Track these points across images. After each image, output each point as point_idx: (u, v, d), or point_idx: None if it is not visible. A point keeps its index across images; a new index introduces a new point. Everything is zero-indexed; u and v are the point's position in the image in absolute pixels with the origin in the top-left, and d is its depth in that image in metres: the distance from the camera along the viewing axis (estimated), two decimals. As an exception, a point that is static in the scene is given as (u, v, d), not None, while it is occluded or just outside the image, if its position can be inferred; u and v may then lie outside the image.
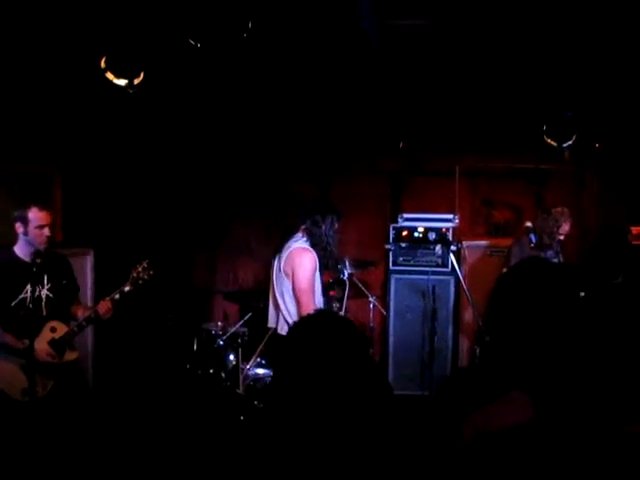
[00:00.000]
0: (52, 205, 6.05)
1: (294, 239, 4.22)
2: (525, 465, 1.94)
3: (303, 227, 4.21)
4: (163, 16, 3.89)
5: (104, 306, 4.08)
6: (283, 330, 4.22)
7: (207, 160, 7.15)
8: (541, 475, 1.92)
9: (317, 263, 4.16)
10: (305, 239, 4.20)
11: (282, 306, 4.23)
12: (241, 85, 5.89)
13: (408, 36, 4.96)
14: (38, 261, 3.94)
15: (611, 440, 1.97)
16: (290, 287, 4.15)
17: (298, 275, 4.08)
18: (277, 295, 4.27)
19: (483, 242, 6.59)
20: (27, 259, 4.05)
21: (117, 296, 4.11)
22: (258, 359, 5.29)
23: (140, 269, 4.15)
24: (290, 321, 4.10)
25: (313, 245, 4.18)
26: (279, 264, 4.23)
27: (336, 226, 4.27)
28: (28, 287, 4.02)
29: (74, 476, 4.09)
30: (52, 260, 4.20)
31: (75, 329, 4.11)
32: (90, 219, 6.21)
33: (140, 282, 4.15)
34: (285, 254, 4.18)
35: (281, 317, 4.26)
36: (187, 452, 4.74)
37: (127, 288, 4.13)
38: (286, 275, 4.16)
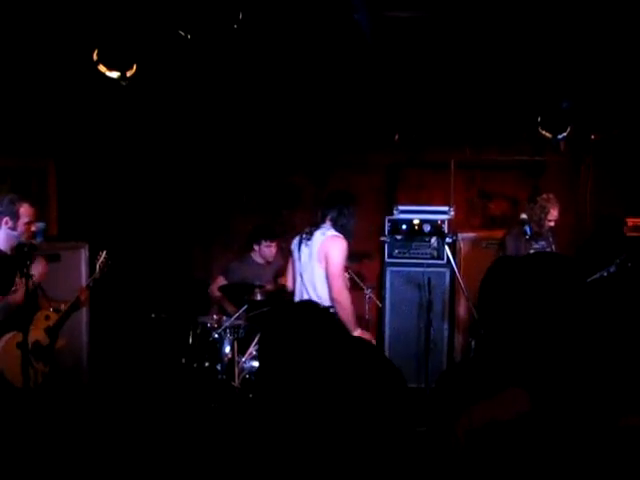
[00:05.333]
0: (47, 199, 6.07)
1: (324, 228, 4.55)
2: (521, 459, 1.94)
3: (329, 217, 4.56)
4: (154, 8, 3.88)
5: (84, 292, 4.49)
6: None
7: (204, 154, 7.13)
8: (537, 468, 1.92)
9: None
10: (333, 228, 4.54)
11: (312, 292, 4.54)
12: (236, 77, 5.88)
13: (402, 28, 4.94)
14: (25, 250, 3.93)
15: (606, 432, 1.97)
16: (322, 272, 4.47)
17: (333, 261, 4.43)
18: (307, 281, 4.58)
19: (479, 234, 6.58)
20: (8, 252, 4.14)
21: (91, 283, 4.58)
22: (254, 352, 5.29)
23: (102, 259, 4.57)
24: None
25: (341, 233, 4.53)
26: (310, 251, 4.54)
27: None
28: (17, 280, 4.07)
29: (68, 470, 4.10)
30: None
31: (64, 316, 4.39)
32: (85, 213, 6.20)
33: (104, 270, 4.57)
34: (319, 241, 4.50)
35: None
36: (183, 445, 4.75)
37: (96, 276, 4.56)
38: (319, 261, 4.47)
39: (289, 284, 4.98)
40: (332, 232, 4.52)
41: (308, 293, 4.58)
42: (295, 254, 4.74)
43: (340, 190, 4.92)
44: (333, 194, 4.74)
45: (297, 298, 4.72)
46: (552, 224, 5.53)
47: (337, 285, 4.43)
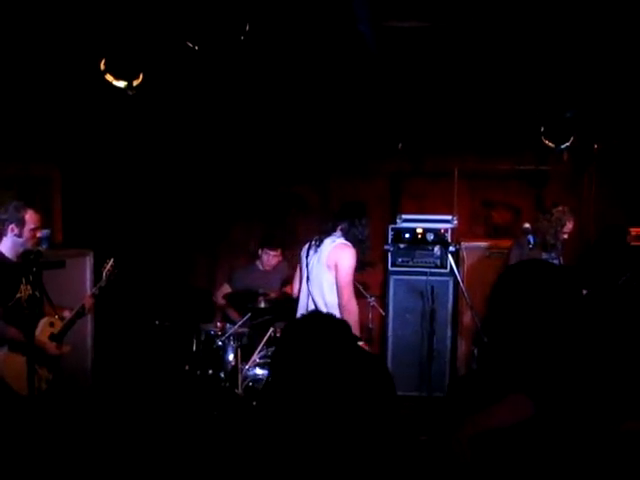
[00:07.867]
0: (52, 206, 6.10)
1: (334, 236, 4.57)
2: (524, 464, 1.95)
3: (340, 227, 4.59)
4: (162, 19, 3.91)
5: (89, 300, 4.42)
6: None
7: (207, 162, 7.17)
8: (540, 474, 1.94)
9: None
10: (343, 237, 4.56)
11: (319, 298, 4.54)
12: (240, 87, 5.91)
13: (406, 38, 4.97)
14: (32, 257, 3.93)
15: (608, 437, 1.99)
16: (331, 279, 4.47)
17: (343, 269, 4.45)
18: (314, 287, 4.58)
19: (482, 243, 6.59)
20: (14, 259, 4.11)
21: (97, 291, 4.50)
22: (257, 359, 5.30)
23: (108, 267, 4.52)
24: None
25: (351, 243, 4.55)
26: (319, 257, 4.56)
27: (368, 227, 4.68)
28: (22, 287, 4.08)
29: (71, 475, 4.11)
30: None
31: (69, 323, 4.33)
32: (90, 220, 6.23)
33: (111, 278, 4.52)
34: (329, 248, 4.51)
35: (315, 308, 4.50)
36: (186, 452, 4.76)
37: (103, 284, 4.50)
38: (328, 268, 4.48)
39: (294, 290, 4.98)
40: (342, 240, 4.55)
41: (314, 299, 4.58)
42: (303, 260, 4.76)
43: (352, 202, 4.93)
44: (345, 206, 4.76)
45: (302, 304, 4.72)
46: (566, 237, 5.51)
47: (346, 293, 4.45)
